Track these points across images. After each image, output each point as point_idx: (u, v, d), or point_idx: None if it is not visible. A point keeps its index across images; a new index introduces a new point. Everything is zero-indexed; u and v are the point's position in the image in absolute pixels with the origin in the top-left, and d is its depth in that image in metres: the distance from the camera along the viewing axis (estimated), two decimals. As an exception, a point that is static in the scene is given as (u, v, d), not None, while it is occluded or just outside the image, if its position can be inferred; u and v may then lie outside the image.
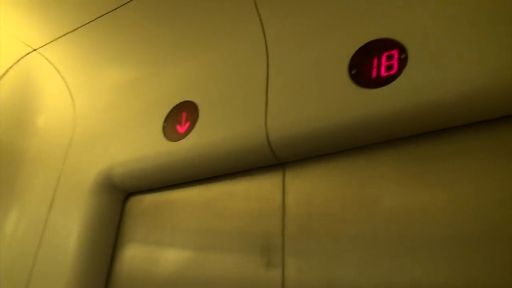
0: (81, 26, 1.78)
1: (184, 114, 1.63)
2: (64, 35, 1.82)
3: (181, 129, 1.60)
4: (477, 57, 1.05)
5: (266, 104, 1.39)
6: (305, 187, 1.35)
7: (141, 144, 1.69)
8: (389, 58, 1.21)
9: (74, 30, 1.79)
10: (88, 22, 1.76)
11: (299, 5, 1.41)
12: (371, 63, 1.24)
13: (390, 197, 1.17)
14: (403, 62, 1.17)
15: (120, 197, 1.81)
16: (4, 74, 1.97)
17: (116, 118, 1.84)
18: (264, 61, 1.47)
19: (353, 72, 1.26)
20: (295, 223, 1.31)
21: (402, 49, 1.19)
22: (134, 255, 1.65)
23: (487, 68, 1.02)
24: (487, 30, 1.06)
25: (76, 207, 1.75)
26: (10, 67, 1.97)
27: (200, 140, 1.51)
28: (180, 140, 1.56)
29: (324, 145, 1.31)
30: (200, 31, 1.60)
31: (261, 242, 1.35)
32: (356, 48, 1.28)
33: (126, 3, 1.64)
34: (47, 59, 1.95)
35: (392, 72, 1.18)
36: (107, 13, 1.70)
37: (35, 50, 1.93)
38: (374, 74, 1.22)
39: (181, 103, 1.66)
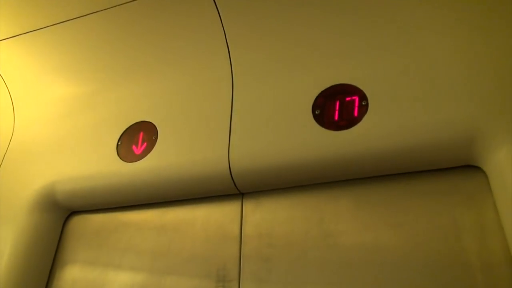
0: (32, 31, 1.67)
1: (141, 134, 1.59)
2: (11, 37, 1.69)
3: (137, 150, 1.56)
4: (432, 110, 1.16)
5: (230, 133, 1.42)
6: (264, 219, 1.38)
7: (91, 161, 1.61)
8: (351, 103, 1.30)
9: (23, 33, 1.67)
10: (41, 28, 1.65)
11: (269, 41, 1.46)
12: (334, 106, 1.32)
13: (348, 234, 1.25)
14: (364, 109, 1.26)
15: (62, 216, 1.70)
16: None
17: (63, 131, 1.74)
18: (229, 91, 1.50)
19: (316, 112, 1.33)
20: (252, 254, 1.34)
21: (363, 96, 1.28)
22: (75, 278, 1.56)
23: (441, 121, 1.14)
24: (444, 85, 1.19)
25: (9, 225, 1.61)
26: None
27: (159, 163, 1.48)
28: (136, 161, 1.52)
29: (285, 179, 1.36)
30: (166, 53, 1.58)
31: (217, 270, 1.36)
32: (321, 90, 1.36)
33: (86, 15, 1.58)
34: (-13, 59, 1.80)
35: (353, 117, 1.27)
36: (63, 21, 1.62)
37: (-25, 48, 1.76)
38: (336, 116, 1.30)
39: (138, 122, 1.62)
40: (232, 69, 1.52)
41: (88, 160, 1.62)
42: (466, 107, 1.13)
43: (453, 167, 1.20)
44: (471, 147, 1.12)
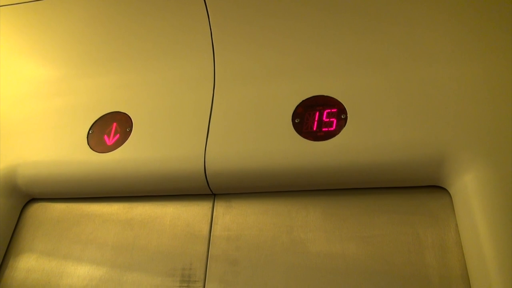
0: (6, 5, 1.58)
1: (114, 125, 1.55)
2: (-18, 9, 1.60)
3: (109, 141, 1.51)
4: (406, 130, 1.22)
5: (208, 133, 1.41)
6: (234, 221, 1.39)
7: (58, 147, 1.55)
8: (330, 115, 1.33)
9: (-4, 7, 1.58)
10: (15, 4, 1.57)
11: (255, 47, 1.47)
12: (313, 116, 1.35)
13: (315, 243, 1.27)
14: (342, 122, 1.30)
15: (20, 202, 1.62)
16: None
17: (31, 113, 1.66)
18: (211, 90, 1.49)
19: (296, 121, 1.35)
20: (220, 255, 1.34)
21: (343, 110, 1.32)
22: (30, 268, 1.49)
23: (412, 141, 1.20)
24: (419, 107, 1.24)
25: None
26: None
27: (131, 156, 1.45)
28: (106, 152, 1.48)
29: (258, 184, 1.37)
30: (149, 46, 1.55)
31: (182, 270, 1.34)
32: (302, 99, 1.38)
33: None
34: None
35: (331, 129, 1.30)
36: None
37: None
38: (315, 127, 1.33)
39: (113, 113, 1.57)
40: (215, 70, 1.51)
41: (55, 146, 1.56)
42: (438, 131, 1.19)
43: (420, 186, 1.26)
44: (439, 169, 1.18)
